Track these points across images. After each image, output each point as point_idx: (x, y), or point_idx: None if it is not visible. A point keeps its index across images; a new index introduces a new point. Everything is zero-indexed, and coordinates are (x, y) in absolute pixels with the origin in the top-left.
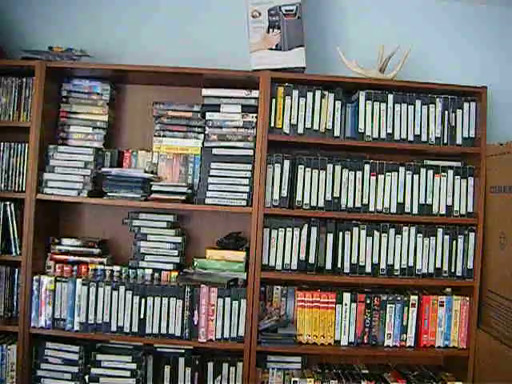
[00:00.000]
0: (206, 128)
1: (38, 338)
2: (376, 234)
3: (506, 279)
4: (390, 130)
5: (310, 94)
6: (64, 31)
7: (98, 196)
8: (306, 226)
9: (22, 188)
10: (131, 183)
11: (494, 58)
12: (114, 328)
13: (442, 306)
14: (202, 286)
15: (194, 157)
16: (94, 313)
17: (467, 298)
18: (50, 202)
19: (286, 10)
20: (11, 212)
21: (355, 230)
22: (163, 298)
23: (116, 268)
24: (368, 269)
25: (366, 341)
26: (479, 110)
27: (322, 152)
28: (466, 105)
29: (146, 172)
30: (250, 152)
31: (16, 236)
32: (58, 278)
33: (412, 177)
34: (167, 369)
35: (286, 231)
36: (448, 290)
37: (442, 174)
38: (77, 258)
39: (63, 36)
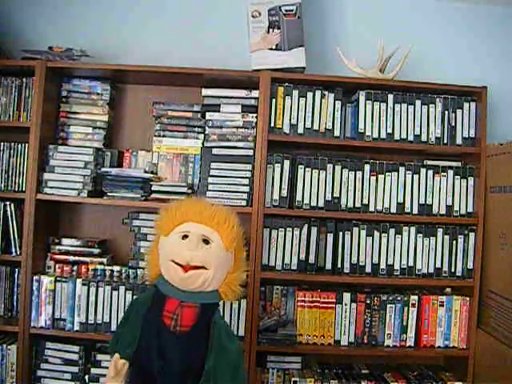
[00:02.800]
0: (206, 128)
1: (38, 338)
2: (376, 234)
3: (506, 279)
4: (390, 130)
5: (310, 94)
6: (64, 31)
7: (98, 196)
8: (306, 226)
9: (22, 188)
10: (131, 183)
11: (494, 58)
12: (114, 328)
13: (442, 305)
14: None
15: (194, 157)
16: (94, 313)
17: (467, 298)
18: (50, 202)
19: (285, 10)
20: (11, 212)
21: (355, 229)
22: None
23: (116, 268)
24: (368, 269)
25: (366, 341)
26: (479, 110)
27: (322, 152)
28: (466, 105)
29: (145, 172)
30: (250, 152)
31: (16, 236)
32: (58, 278)
33: (412, 177)
34: None
35: (286, 231)
36: (448, 289)
37: (442, 174)
38: (77, 258)
39: (63, 36)
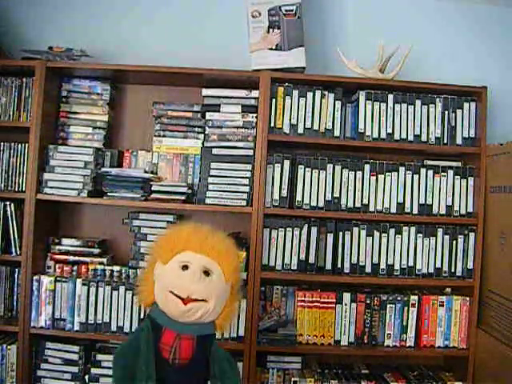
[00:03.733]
0: (206, 128)
1: (38, 338)
2: (376, 234)
3: (506, 279)
4: (390, 130)
5: (310, 94)
6: (64, 31)
7: (98, 196)
8: (306, 226)
9: (22, 188)
10: (131, 183)
11: (494, 58)
12: (114, 328)
13: (442, 306)
14: None
15: (194, 157)
16: (94, 313)
17: (467, 298)
18: (50, 202)
19: (285, 10)
20: (11, 212)
21: (355, 229)
22: None
23: (116, 268)
24: (368, 269)
25: (366, 341)
26: (479, 110)
27: (322, 152)
28: (466, 105)
29: (145, 172)
30: (250, 152)
31: (16, 236)
32: (58, 278)
33: (412, 177)
34: None
35: (286, 231)
36: (448, 290)
37: (442, 173)
38: (77, 258)
39: (63, 36)
